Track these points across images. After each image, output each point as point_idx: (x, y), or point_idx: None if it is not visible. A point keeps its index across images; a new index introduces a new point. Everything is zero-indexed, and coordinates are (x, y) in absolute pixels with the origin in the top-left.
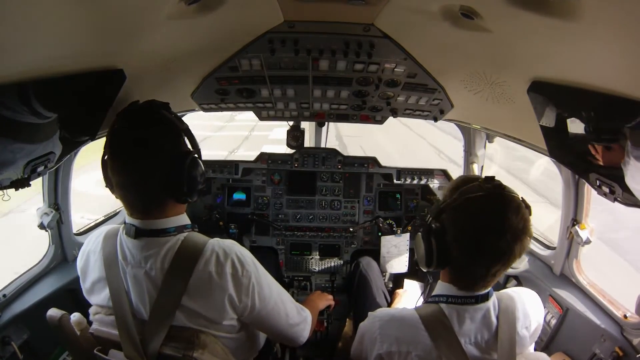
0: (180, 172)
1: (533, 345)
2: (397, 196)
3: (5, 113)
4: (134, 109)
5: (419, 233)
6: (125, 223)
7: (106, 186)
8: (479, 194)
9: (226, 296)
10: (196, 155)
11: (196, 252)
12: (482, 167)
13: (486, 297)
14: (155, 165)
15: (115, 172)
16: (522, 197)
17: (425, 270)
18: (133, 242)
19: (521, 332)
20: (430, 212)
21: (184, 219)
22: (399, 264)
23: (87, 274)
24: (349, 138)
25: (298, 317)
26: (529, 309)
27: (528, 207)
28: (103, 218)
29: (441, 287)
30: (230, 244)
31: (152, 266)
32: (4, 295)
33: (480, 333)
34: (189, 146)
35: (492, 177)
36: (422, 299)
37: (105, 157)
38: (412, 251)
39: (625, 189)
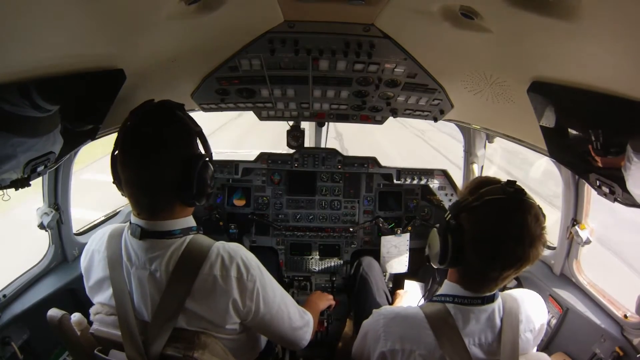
0: (191, 174)
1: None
2: (397, 196)
3: (7, 110)
4: (149, 107)
5: (435, 229)
6: (130, 223)
7: (113, 182)
8: (501, 196)
9: (230, 300)
10: (207, 159)
11: (201, 255)
12: (482, 167)
13: (492, 299)
14: (166, 164)
15: (126, 169)
16: (538, 205)
17: (435, 267)
18: (138, 243)
19: (524, 336)
20: (450, 210)
21: (189, 221)
22: (399, 264)
23: (90, 273)
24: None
25: (301, 321)
26: (532, 313)
27: (544, 215)
28: (103, 218)
29: (447, 287)
30: (236, 248)
31: (157, 268)
32: (4, 296)
33: (484, 334)
34: (201, 149)
35: (514, 182)
36: (423, 300)
37: (116, 152)
38: (412, 251)
39: (625, 189)
